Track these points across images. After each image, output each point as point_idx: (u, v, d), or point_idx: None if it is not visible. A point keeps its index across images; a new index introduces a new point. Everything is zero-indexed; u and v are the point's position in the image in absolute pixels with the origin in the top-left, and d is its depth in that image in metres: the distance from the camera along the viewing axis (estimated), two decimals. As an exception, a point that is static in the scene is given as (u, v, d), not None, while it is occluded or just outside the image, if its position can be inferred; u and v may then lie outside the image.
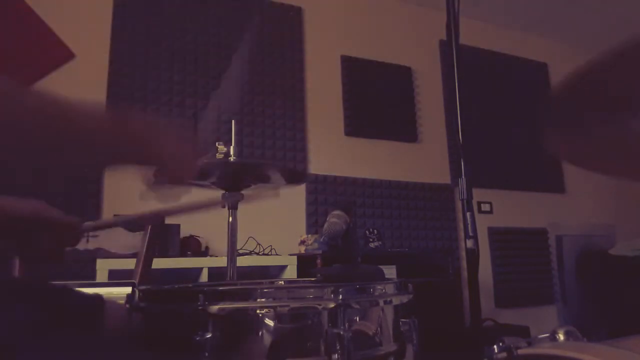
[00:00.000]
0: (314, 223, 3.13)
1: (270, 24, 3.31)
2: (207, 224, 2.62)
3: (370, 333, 0.80)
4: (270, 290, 0.81)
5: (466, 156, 1.17)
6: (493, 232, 3.76)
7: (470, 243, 1.12)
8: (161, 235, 2.28)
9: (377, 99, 3.55)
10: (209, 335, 0.68)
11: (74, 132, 0.47)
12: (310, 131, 3.29)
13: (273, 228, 2.90)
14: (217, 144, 1.51)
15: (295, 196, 3.12)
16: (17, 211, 0.49)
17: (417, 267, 2.90)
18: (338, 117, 3.43)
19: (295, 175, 1.80)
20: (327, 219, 1.52)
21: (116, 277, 2.04)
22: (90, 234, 1.55)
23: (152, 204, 0.73)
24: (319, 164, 3.26)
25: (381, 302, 0.82)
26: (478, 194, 3.52)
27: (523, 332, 3.16)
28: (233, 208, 1.49)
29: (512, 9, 4.03)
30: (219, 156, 1.48)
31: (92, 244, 1.55)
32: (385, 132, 3.54)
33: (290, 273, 2.57)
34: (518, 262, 3.81)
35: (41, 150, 0.45)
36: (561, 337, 0.82)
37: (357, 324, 0.78)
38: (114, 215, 2.34)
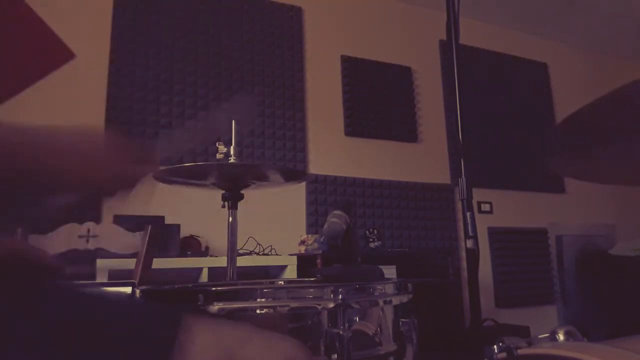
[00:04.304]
0: (314, 223, 3.13)
1: (270, 24, 3.31)
2: (207, 224, 2.63)
3: (370, 333, 0.80)
4: (270, 290, 0.81)
5: (466, 156, 1.17)
6: (493, 232, 3.75)
7: (470, 243, 1.12)
8: (161, 235, 2.28)
9: (377, 99, 3.55)
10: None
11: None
12: (310, 131, 3.29)
13: (273, 228, 2.90)
14: (217, 144, 1.51)
15: (295, 196, 3.12)
16: None
17: (417, 267, 2.90)
18: (338, 117, 3.42)
19: (294, 174, 1.80)
20: (327, 218, 1.51)
21: (116, 277, 2.04)
22: (90, 234, 1.55)
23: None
24: (319, 164, 3.26)
25: (381, 302, 0.82)
26: (478, 194, 3.52)
27: (523, 332, 3.16)
28: (233, 208, 1.49)
29: (512, 9, 4.03)
30: (219, 156, 1.48)
31: (92, 244, 1.55)
32: (385, 132, 3.53)
33: (290, 273, 2.56)
34: (518, 262, 3.80)
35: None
36: (561, 337, 0.82)
37: (357, 324, 0.78)
38: (114, 215, 2.35)
